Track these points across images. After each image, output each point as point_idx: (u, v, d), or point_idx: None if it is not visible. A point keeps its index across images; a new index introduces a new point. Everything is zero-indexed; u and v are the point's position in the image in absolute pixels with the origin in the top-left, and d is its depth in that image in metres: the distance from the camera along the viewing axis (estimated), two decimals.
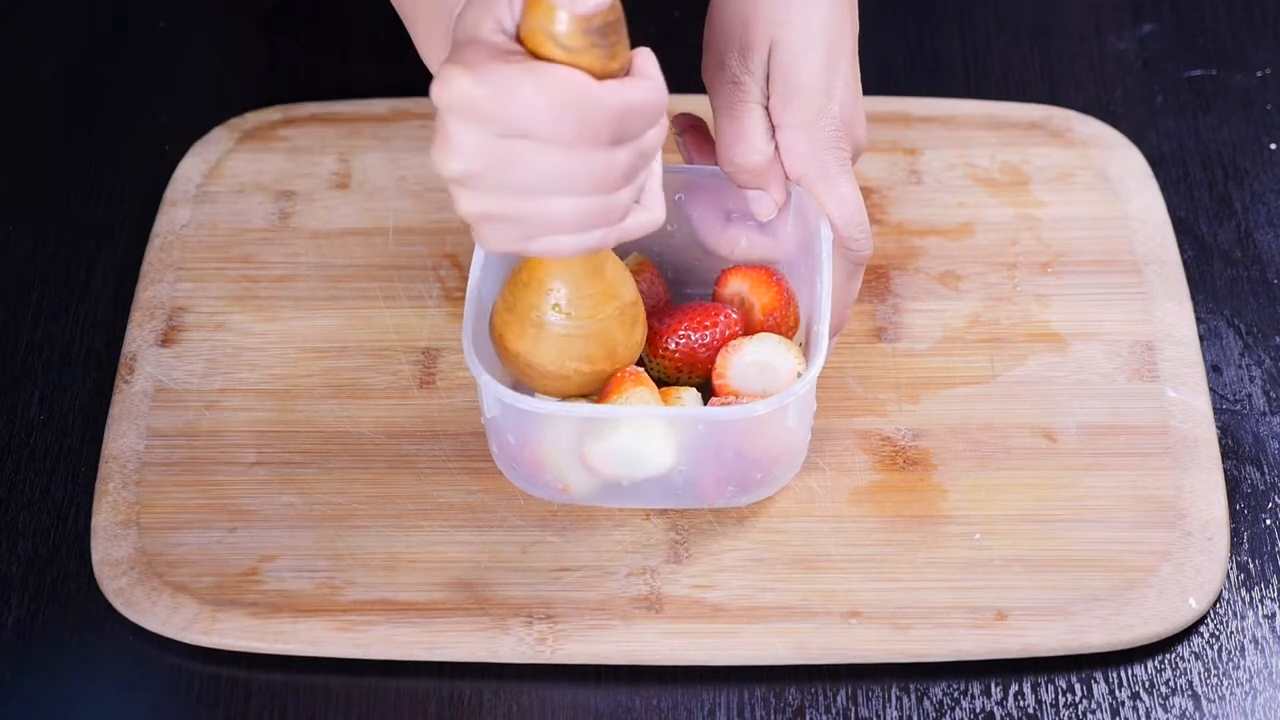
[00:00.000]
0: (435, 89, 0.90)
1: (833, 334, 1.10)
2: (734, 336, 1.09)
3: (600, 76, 0.92)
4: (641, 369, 1.07)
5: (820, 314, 1.05)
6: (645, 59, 0.93)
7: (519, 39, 0.92)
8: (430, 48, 1.04)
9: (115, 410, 1.14)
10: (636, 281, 1.07)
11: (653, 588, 1.07)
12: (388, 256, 1.21)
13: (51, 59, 1.34)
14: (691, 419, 1.05)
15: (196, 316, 1.19)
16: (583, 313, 1.03)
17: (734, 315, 1.09)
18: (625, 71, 0.93)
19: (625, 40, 0.93)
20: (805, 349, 1.08)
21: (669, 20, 1.34)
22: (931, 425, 1.13)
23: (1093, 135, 1.26)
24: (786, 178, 1.08)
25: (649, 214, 0.97)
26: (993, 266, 1.20)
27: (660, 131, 0.94)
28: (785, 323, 1.10)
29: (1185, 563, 1.07)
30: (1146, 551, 1.08)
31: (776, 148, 1.07)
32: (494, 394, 1.03)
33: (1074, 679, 1.06)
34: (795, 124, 1.06)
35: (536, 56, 0.91)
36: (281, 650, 1.05)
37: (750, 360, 1.07)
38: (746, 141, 1.07)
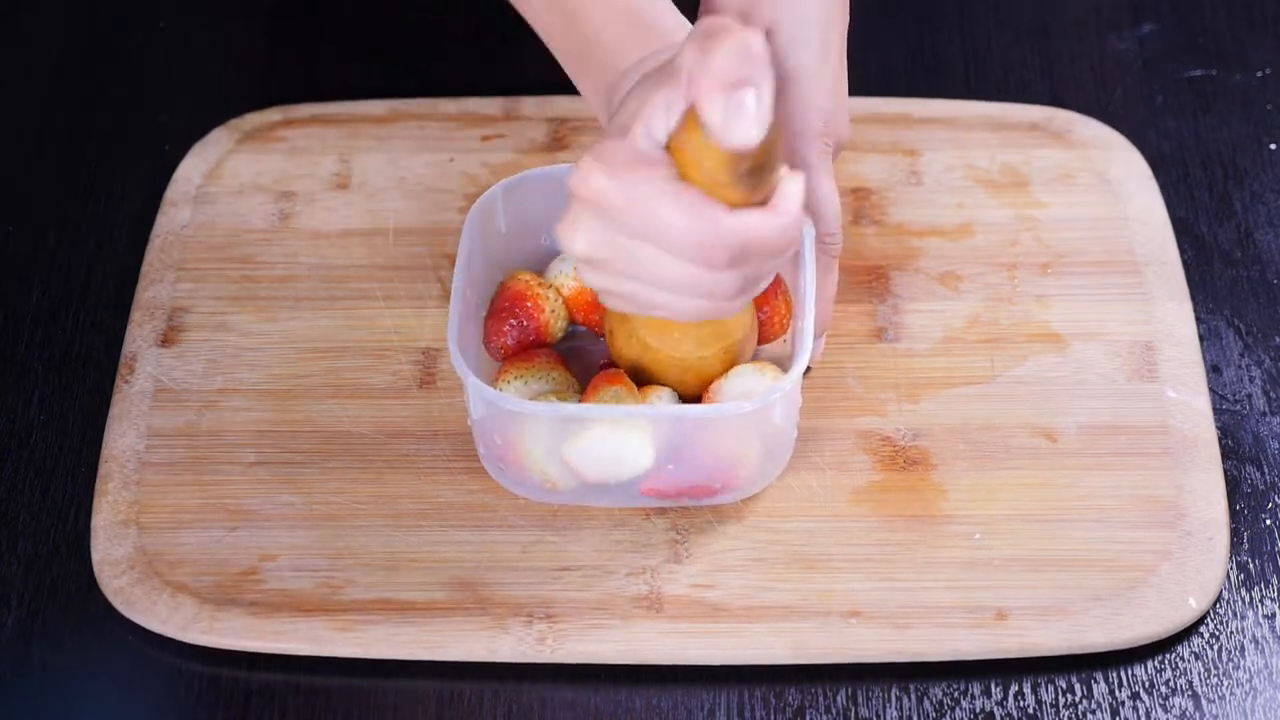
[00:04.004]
0: (574, 180, 0.93)
1: (819, 331, 1.10)
2: None
3: (738, 205, 0.92)
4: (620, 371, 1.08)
5: (804, 310, 1.05)
6: (789, 191, 0.94)
7: (669, 147, 0.92)
8: (588, 91, 1.06)
9: (115, 410, 1.14)
10: None
11: (652, 587, 1.07)
12: (388, 257, 1.21)
13: (51, 59, 1.34)
14: (677, 417, 1.05)
15: (196, 316, 1.19)
16: (685, 350, 1.06)
17: None
18: (765, 200, 0.93)
19: (775, 173, 0.93)
20: (791, 345, 1.09)
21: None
22: (931, 425, 1.13)
23: (1093, 137, 1.26)
24: None
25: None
26: (993, 267, 1.20)
27: (787, 257, 0.97)
28: (776, 314, 1.10)
29: (1185, 562, 1.07)
30: (1146, 551, 1.08)
31: None
32: (480, 394, 1.03)
33: (1074, 679, 1.05)
34: (784, 114, 1.06)
35: (681, 170, 0.92)
36: (281, 649, 1.05)
37: (735, 396, 1.07)
38: None
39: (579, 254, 0.95)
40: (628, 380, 1.06)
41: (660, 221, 0.92)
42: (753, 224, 0.93)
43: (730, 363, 1.07)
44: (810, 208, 1.07)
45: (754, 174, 0.91)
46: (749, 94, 0.88)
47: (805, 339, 1.05)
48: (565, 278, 1.12)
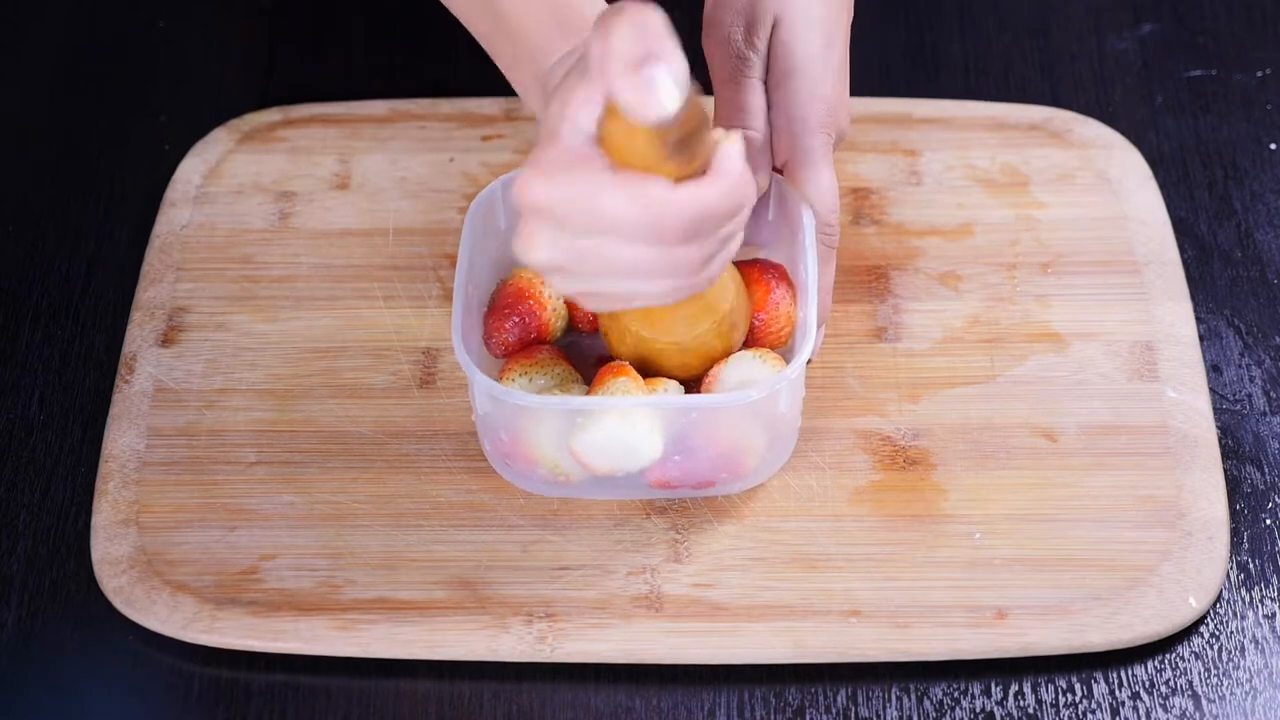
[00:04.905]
0: (515, 191, 0.92)
1: (819, 321, 1.10)
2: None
3: (679, 178, 0.92)
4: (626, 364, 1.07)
5: (806, 299, 1.06)
6: (728, 151, 0.93)
7: (600, 141, 0.92)
8: (521, 87, 1.05)
9: (115, 410, 1.14)
10: None
11: (653, 586, 1.07)
12: (388, 257, 1.21)
13: (52, 58, 1.34)
14: (684, 407, 1.05)
15: (196, 316, 1.19)
16: (677, 333, 1.05)
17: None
18: (705, 168, 0.93)
19: (706, 139, 0.92)
20: (793, 334, 1.09)
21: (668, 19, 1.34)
22: (931, 425, 1.13)
23: (1093, 136, 1.26)
24: (772, 164, 1.08)
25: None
26: (993, 267, 1.20)
27: (743, 218, 0.96)
28: (775, 322, 1.10)
29: (1185, 562, 1.07)
30: (1147, 551, 1.08)
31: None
32: (485, 389, 1.03)
33: (1074, 679, 1.05)
34: (789, 103, 1.07)
35: (616, 159, 0.92)
36: (281, 649, 1.05)
37: (734, 383, 1.07)
38: (745, 117, 1.07)
39: (540, 266, 0.95)
40: (633, 371, 1.06)
41: (607, 213, 0.91)
42: (698, 192, 0.92)
43: (727, 335, 1.07)
44: (811, 202, 1.08)
45: (685, 144, 0.91)
46: (655, 68, 0.88)
47: (809, 327, 1.05)
48: None
